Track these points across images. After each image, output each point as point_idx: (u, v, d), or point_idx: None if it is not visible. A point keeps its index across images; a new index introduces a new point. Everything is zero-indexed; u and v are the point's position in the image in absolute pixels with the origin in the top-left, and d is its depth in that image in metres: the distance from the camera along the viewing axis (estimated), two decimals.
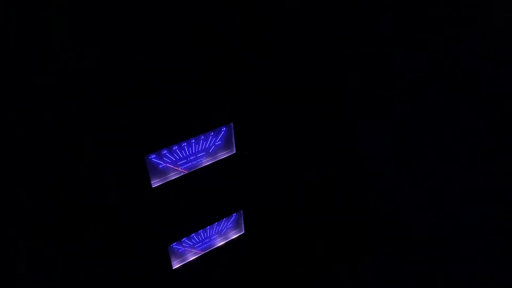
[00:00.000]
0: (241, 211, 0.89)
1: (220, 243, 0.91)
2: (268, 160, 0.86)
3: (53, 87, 0.56)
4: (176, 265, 0.86)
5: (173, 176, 0.75)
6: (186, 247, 0.86)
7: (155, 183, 0.73)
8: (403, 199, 0.87)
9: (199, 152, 0.77)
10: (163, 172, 0.74)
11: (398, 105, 0.79)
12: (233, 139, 0.79)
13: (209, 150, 0.78)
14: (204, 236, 0.88)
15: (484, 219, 0.73)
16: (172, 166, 0.74)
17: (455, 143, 0.72)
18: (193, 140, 0.75)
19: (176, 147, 0.73)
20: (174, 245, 0.84)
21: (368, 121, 0.86)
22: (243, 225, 0.92)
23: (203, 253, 0.89)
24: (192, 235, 0.85)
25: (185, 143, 0.74)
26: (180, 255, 0.87)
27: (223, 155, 0.80)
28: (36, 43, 0.52)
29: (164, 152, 0.72)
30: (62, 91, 0.57)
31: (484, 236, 0.74)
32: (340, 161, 0.97)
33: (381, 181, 0.91)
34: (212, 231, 0.89)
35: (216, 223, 0.88)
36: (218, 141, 0.78)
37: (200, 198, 0.81)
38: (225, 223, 0.89)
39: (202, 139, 0.76)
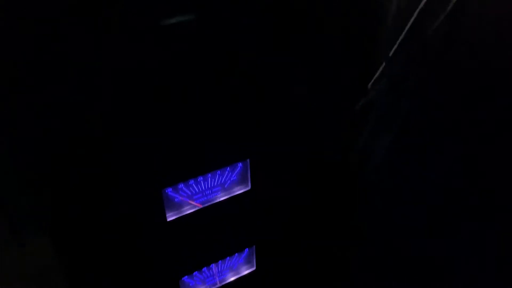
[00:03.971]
0: (254, 246, 0.89)
1: (231, 278, 0.91)
2: (283, 198, 0.86)
3: (71, 116, 0.57)
4: None
5: (188, 210, 0.75)
6: (197, 281, 0.86)
7: (170, 216, 0.74)
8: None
9: (214, 186, 0.78)
10: (179, 205, 0.75)
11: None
12: (249, 175, 0.80)
13: (224, 185, 0.79)
14: (216, 271, 0.88)
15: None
16: (188, 200, 0.75)
17: None
18: (209, 175, 0.76)
19: (192, 181, 0.74)
20: (185, 278, 0.84)
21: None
22: (254, 261, 0.91)
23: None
24: (204, 269, 0.85)
25: (201, 177, 0.75)
26: None
27: (238, 190, 0.80)
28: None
29: (180, 186, 0.73)
30: (80, 120, 0.58)
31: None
32: (355, 197, 0.97)
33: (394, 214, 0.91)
34: (224, 266, 0.88)
35: (228, 257, 0.87)
36: (234, 176, 0.79)
37: (213, 233, 0.81)
38: (237, 258, 0.89)
39: (218, 174, 0.77)
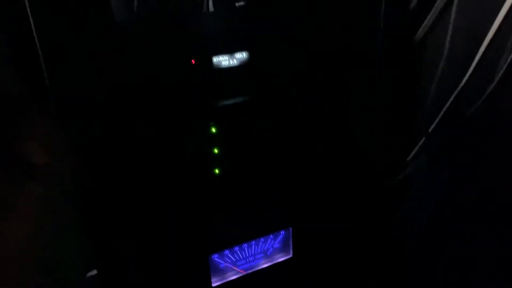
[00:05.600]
0: None
1: None
2: (324, 267, 0.87)
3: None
4: None
5: (231, 276, 0.78)
6: None
7: (215, 282, 0.76)
8: None
9: (257, 253, 0.80)
10: (223, 271, 0.77)
11: None
12: (291, 243, 0.82)
13: (267, 252, 0.81)
14: None
15: None
16: (232, 266, 0.78)
17: None
18: (253, 242, 0.79)
19: (237, 248, 0.77)
20: None
21: None
22: None
23: None
24: None
25: (246, 245, 0.78)
26: None
27: (279, 257, 0.83)
28: None
29: (226, 252, 0.76)
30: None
31: None
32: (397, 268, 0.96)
33: None
34: None
35: None
36: (276, 244, 0.82)
37: None
38: None
39: (261, 241, 0.79)
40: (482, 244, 0.78)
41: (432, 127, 0.78)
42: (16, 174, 0.33)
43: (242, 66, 0.65)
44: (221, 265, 0.77)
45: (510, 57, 0.65)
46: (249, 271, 0.80)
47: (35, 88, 0.54)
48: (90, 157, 0.58)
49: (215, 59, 0.63)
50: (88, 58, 0.56)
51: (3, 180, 0.33)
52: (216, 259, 0.76)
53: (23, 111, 0.43)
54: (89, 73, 0.57)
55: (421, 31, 0.78)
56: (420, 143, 0.82)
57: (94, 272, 0.74)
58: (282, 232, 0.81)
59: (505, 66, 0.67)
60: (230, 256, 0.77)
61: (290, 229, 0.81)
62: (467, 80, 0.72)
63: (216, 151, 0.68)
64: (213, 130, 0.66)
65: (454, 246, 0.84)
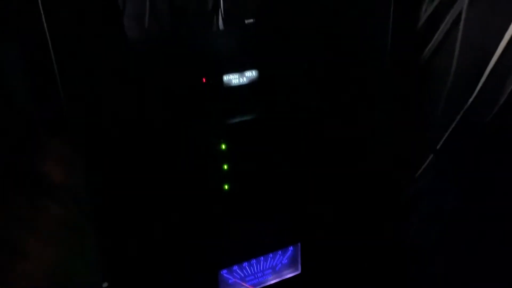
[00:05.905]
0: None
1: None
2: (332, 283, 0.87)
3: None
4: None
5: None
6: None
7: None
8: None
9: (266, 269, 0.80)
10: (232, 287, 0.78)
11: None
12: (299, 259, 0.82)
13: (275, 268, 0.81)
14: None
15: None
16: (241, 282, 0.78)
17: None
18: (262, 258, 0.79)
19: (246, 263, 0.77)
20: None
21: None
22: None
23: None
24: None
25: (254, 260, 0.78)
26: None
27: (288, 273, 0.83)
28: None
29: (235, 267, 0.76)
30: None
31: None
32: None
33: None
34: None
35: None
36: (285, 260, 0.82)
37: None
38: None
39: (270, 257, 0.80)
40: (490, 265, 0.77)
41: (440, 143, 0.78)
42: (35, 194, 0.34)
43: (251, 84, 0.66)
44: (230, 281, 0.77)
45: None
46: (258, 287, 0.80)
47: (51, 105, 0.55)
48: (105, 174, 0.59)
49: (225, 78, 0.64)
50: (101, 76, 0.57)
51: (22, 199, 0.33)
52: (225, 274, 0.76)
53: (39, 130, 0.43)
54: (102, 90, 0.58)
55: (429, 48, 0.78)
56: (429, 159, 0.82)
57: (106, 284, 0.75)
58: (291, 248, 0.81)
59: None
60: (239, 271, 0.77)
61: (299, 244, 0.81)
62: (476, 97, 0.72)
63: (225, 167, 0.68)
64: (223, 147, 0.67)
65: (462, 262, 0.84)
